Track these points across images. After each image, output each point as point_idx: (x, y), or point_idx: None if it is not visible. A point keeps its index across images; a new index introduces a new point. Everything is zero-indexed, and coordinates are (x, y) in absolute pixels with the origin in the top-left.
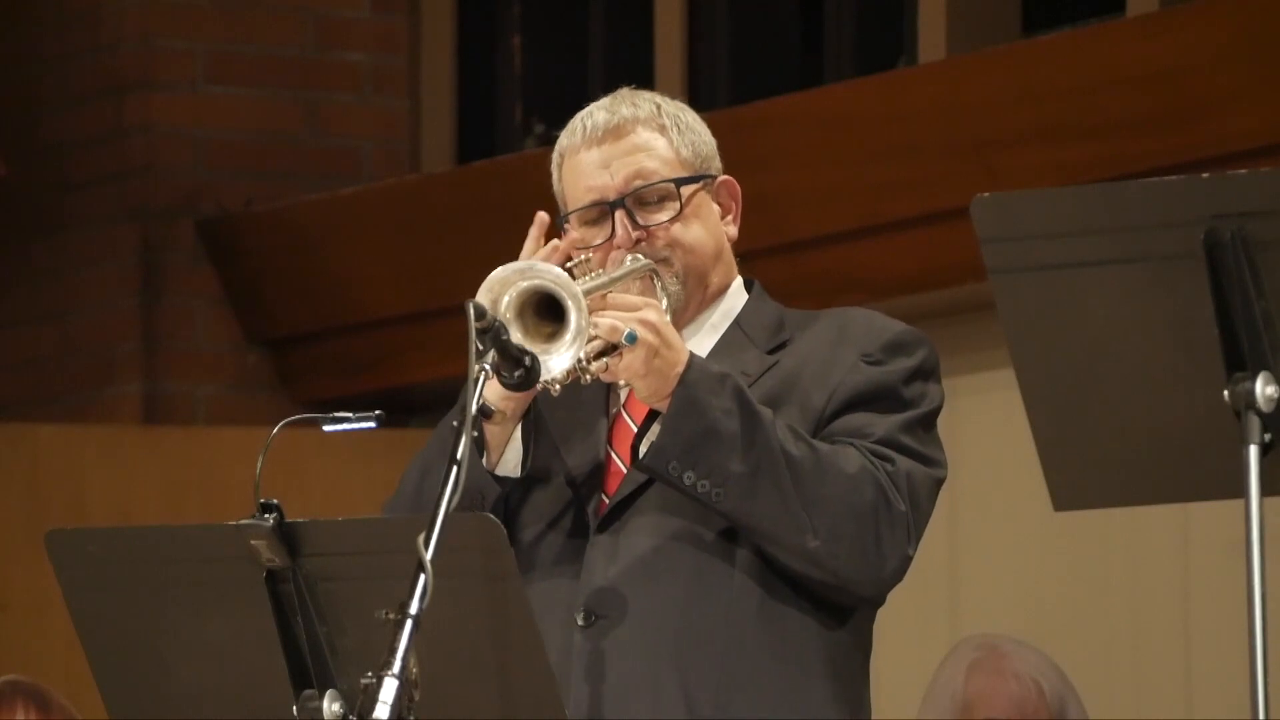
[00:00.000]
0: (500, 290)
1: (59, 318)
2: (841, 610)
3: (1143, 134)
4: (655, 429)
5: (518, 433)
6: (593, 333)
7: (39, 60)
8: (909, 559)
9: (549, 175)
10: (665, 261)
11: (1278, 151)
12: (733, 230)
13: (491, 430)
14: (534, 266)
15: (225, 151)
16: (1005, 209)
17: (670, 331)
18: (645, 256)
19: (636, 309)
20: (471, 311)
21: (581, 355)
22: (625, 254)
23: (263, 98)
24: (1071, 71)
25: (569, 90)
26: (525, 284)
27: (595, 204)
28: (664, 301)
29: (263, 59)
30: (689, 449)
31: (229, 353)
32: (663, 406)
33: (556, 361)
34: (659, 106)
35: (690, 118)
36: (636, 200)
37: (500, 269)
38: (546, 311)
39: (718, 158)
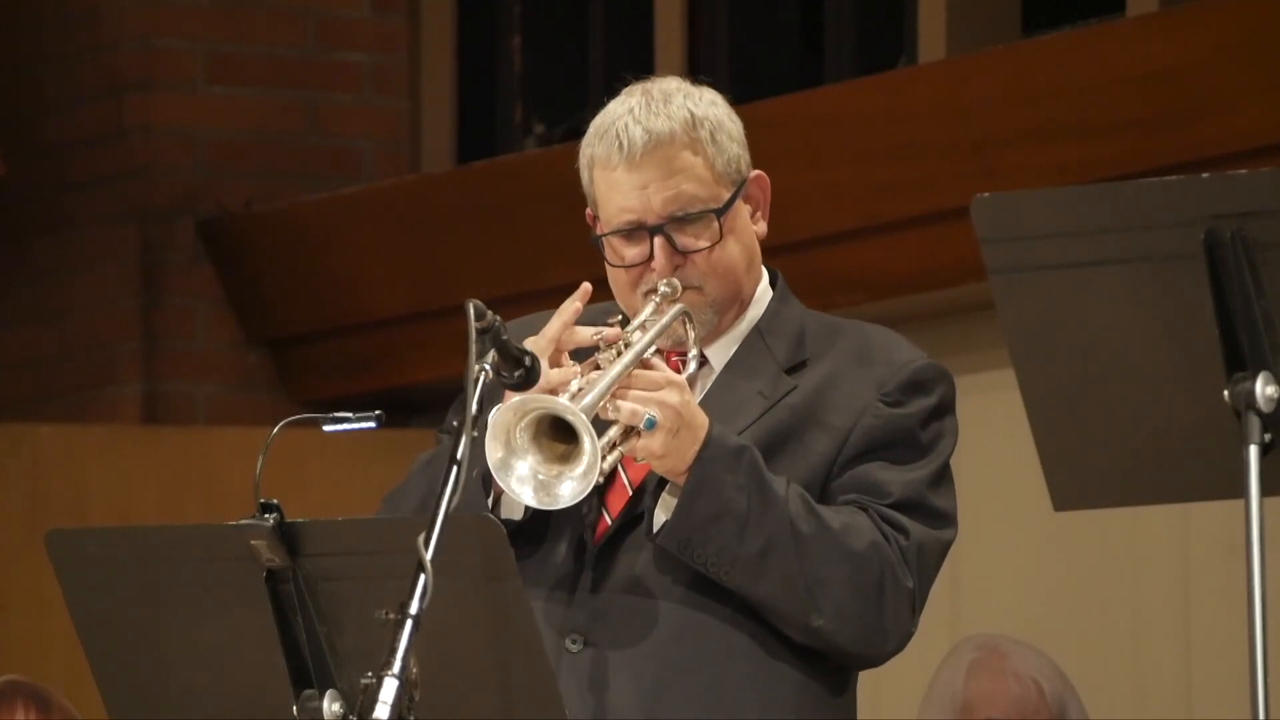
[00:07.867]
0: (505, 433)
1: (59, 318)
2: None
3: (1143, 134)
4: (666, 499)
5: None
6: (612, 415)
7: (39, 60)
8: (910, 634)
9: (549, 175)
10: (699, 289)
11: (1278, 151)
12: (762, 227)
13: None
14: (526, 401)
15: (225, 151)
16: (1005, 209)
17: (689, 410)
18: (680, 281)
19: (658, 388)
20: (471, 311)
21: (598, 476)
22: (660, 280)
23: (263, 98)
24: (1071, 71)
25: (569, 90)
26: (532, 414)
27: (632, 225)
28: (693, 344)
29: (263, 59)
30: (700, 530)
31: (229, 353)
32: (679, 480)
33: (568, 488)
34: (693, 116)
35: (721, 114)
36: (675, 225)
37: (497, 413)
38: (560, 430)
39: (746, 150)
